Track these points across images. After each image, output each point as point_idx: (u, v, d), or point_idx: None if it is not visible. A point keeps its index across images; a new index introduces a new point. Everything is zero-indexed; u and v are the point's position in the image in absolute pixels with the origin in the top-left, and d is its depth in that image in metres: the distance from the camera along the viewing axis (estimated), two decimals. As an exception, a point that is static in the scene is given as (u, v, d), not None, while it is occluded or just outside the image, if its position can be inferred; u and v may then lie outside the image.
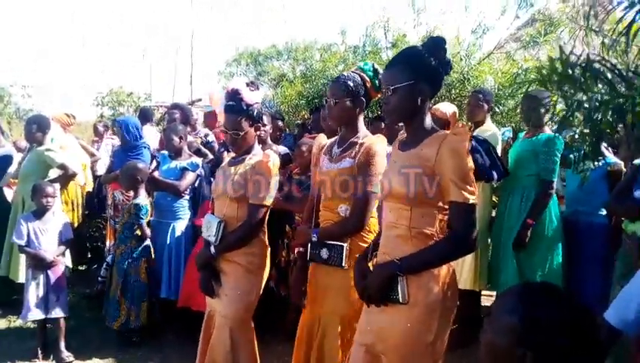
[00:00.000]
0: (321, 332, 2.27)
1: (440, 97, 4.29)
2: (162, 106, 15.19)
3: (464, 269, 3.42)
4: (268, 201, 2.38)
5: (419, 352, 1.73)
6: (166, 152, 4.10)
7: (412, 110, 1.76)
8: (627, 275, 2.42)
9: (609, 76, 1.39)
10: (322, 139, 2.48)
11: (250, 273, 2.41)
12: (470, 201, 1.64)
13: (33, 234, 3.50)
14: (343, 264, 2.15)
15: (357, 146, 2.19)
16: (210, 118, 6.00)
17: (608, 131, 1.47)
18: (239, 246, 2.38)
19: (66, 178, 4.55)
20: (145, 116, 6.08)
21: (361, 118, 2.28)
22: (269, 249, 2.56)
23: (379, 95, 2.22)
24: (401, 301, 1.70)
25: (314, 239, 2.23)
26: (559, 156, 3.27)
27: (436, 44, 1.78)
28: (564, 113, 1.72)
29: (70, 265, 4.20)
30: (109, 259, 4.28)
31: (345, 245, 2.16)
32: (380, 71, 2.15)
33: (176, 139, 3.95)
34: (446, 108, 3.65)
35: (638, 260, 2.35)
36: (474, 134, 3.49)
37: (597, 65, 1.41)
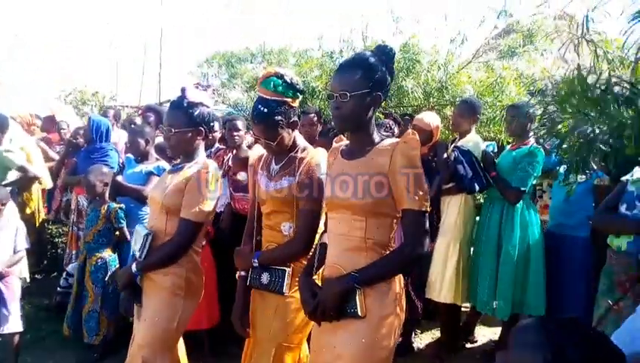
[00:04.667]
0: (255, 359, 2.10)
1: (418, 106, 4.23)
2: (128, 106, 14.79)
3: (444, 283, 3.34)
4: (201, 217, 2.14)
5: None
6: (131, 155, 3.88)
7: (365, 119, 1.71)
8: (613, 291, 2.38)
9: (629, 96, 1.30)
10: (258, 148, 2.31)
11: (174, 297, 2.14)
12: (424, 208, 1.63)
13: (-18, 244, 3.23)
14: (284, 290, 2.00)
15: (296, 161, 2.06)
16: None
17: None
18: (163, 265, 2.13)
19: (26, 180, 4.32)
20: (115, 117, 5.83)
21: (296, 131, 2.13)
22: (202, 273, 2.31)
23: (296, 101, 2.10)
24: (360, 314, 1.65)
25: (255, 264, 2.07)
26: (537, 168, 3.27)
27: (388, 53, 1.74)
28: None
29: (27, 276, 3.95)
30: (70, 267, 4.04)
31: (287, 270, 2.01)
32: (290, 78, 2.03)
33: (141, 142, 3.73)
34: (430, 119, 3.56)
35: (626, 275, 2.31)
36: (457, 144, 3.42)
37: (617, 88, 1.32)
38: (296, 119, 2.09)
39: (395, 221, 1.71)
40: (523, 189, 3.22)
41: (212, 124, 2.31)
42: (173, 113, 2.20)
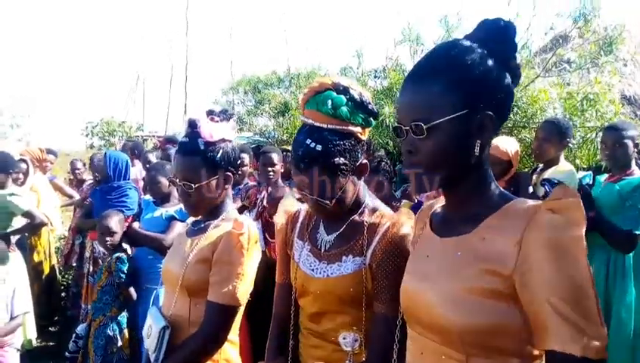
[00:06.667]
0: None
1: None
2: (154, 136, 14.60)
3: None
4: (237, 299, 1.48)
5: None
6: (149, 197, 3.33)
7: (465, 163, 0.95)
8: None
9: None
10: (291, 203, 1.60)
11: None
12: (599, 356, 0.81)
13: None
14: None
15: (364, 230, 1.32)
16: None
17: None
18: None
19: (33, 227, 3.83)
20: (134, 151, 5.33)
21: (361, 182, 1.40)
22: None
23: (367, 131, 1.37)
24: None
25: None
26: None
27: (503, 35, 0.95)
28: None
29: (34, 337, 3.45)
30: (80, 329, 3.49)
31: None
32: (358, 94, 1.32)
33: (163, 181, 3.18)
34: (507, 145, 2.87)
35: None
36: (546, 176, 2.75)
37: None
38: (365, 161, 1.35)
39: None
40: (637, 232, 2.53)
41: (239, 161, 1.69)
42: (188, 162, 1.54)
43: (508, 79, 0.96)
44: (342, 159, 1.27)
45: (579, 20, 3.62)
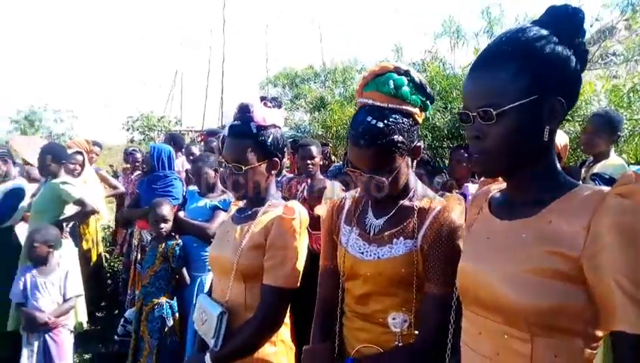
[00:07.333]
0: None
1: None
2: (192, 130, 14.92)
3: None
4: (292, 281, 1.54)
5: None
6: (194, 187, 3.44)
7: (533, 149, 0.97)
8: None
9: None
10: (336, 190, 1.64)
11: None
12: None
13: (31, 289, 2.87)
14: None
15: (414, 214, 1.34)
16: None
17: None
18: (249, 352, 1.56)
19: (84, 214, 4.01)
20: (176, 143, 5.48)
21: (412, 166, 1.41)
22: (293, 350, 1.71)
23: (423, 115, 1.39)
24: None
25: None
26: None
27: (570, 19, 0.95)
28: None
29: (85, 320, 3.61)
30: (128, 313, 3.64)
31: None
32: (418, 77, 1.35)
33: (210, 172, 3.28)
34: (557, 137, 2.80)
35: None
36: (596, 170, 2.69)
37: None
38: (420, 144, 1.36)
39: (591, 345, 0.91)
40: None
41: (284, 148, 1.71)
42: (239, 144, 1.58)
43: (577, 65, 0.96)
44: (401, 137, 1.28)
45: (626, 10, 3.50)
